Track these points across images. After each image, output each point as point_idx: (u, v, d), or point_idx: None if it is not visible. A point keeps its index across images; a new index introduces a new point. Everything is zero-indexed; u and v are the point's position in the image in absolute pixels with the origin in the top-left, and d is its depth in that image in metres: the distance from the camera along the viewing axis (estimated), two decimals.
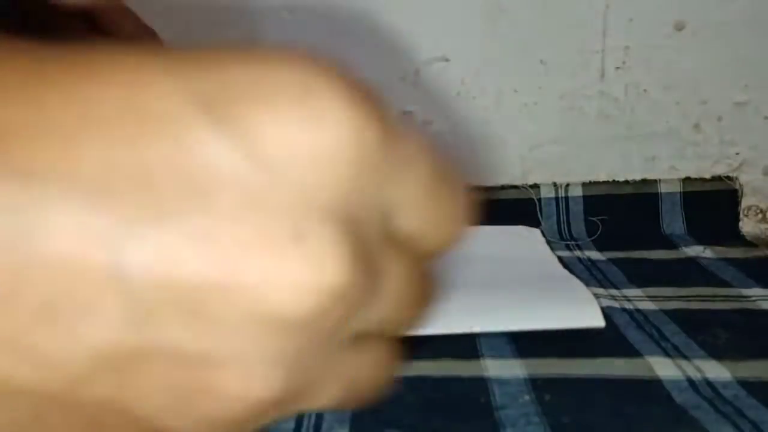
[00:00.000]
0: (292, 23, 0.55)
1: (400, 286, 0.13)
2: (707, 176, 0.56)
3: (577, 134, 0.56)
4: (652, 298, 0.43)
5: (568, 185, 0.57)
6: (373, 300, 0.12)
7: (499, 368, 0.34)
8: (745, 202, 0.56)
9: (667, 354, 0.35)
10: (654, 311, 0.40)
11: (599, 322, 0.37)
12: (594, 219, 0.56)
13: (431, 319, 0.37)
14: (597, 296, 0.40)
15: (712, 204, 0.56)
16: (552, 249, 0.51)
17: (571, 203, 0.56)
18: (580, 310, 0.38)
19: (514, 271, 0.45)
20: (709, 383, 0.32)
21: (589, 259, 0.51)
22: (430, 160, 0.13)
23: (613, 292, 0.44)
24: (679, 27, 0.53)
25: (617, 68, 0.55)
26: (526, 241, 0.51)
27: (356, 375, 0.14)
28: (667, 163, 0.57)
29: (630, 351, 0.35)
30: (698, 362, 0.34)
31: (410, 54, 0.55)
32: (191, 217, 0.10)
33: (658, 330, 0.38)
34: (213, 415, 0.11)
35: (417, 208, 0.13)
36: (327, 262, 0.10)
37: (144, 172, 0.10)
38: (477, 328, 0.38)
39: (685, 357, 0.35)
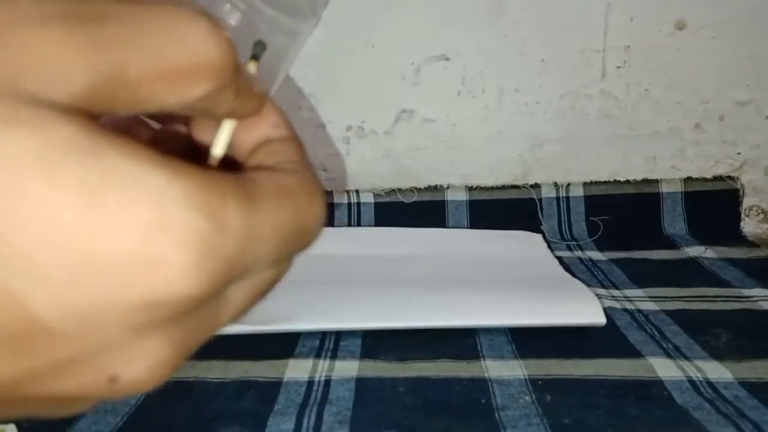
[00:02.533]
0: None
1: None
2: (709, 176, 0.56)
3: (578, 134, 0.56)
4: (654, 298, 0.42)
5: (569, 185, 0.57)
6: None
7: (499, 369, 0.34)
8: (746, 202, 0.56)
9: (668, 355, 0.35)
10: (655, 312, 0.40)
11: (600, 319, 0.37)
12: (595, 219, 0.55)
13: (432, 314, 0.37)
14: (598, 297, 0.40)
15: (714, 204, 0.55)
16: (553, 249, 0.51)
17: (572, 203, 0.56)
18: (582, 307, 0.38)
19: (516, 273, 0.45)
20: (710, 384, 0.32)
21: (590, 260, 0.50)
22: (288, 205, 0.12)
23: (615, 292, 0.44)
24: (680, 26, 0.53)
25: (618, 67, 0.55)
26: (527, 246, 0.51)
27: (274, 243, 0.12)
28: (669, 162, 0.56)
29: (631, 352, 0.35)
30: (699, 363, 0.34)
31: (411, 52, 0.55)
32: None
33: (660, 330, 0.38)
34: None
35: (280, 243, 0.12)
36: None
37: None
38: (479, 322, 0.38)
39: (687, 357, 0.35)
